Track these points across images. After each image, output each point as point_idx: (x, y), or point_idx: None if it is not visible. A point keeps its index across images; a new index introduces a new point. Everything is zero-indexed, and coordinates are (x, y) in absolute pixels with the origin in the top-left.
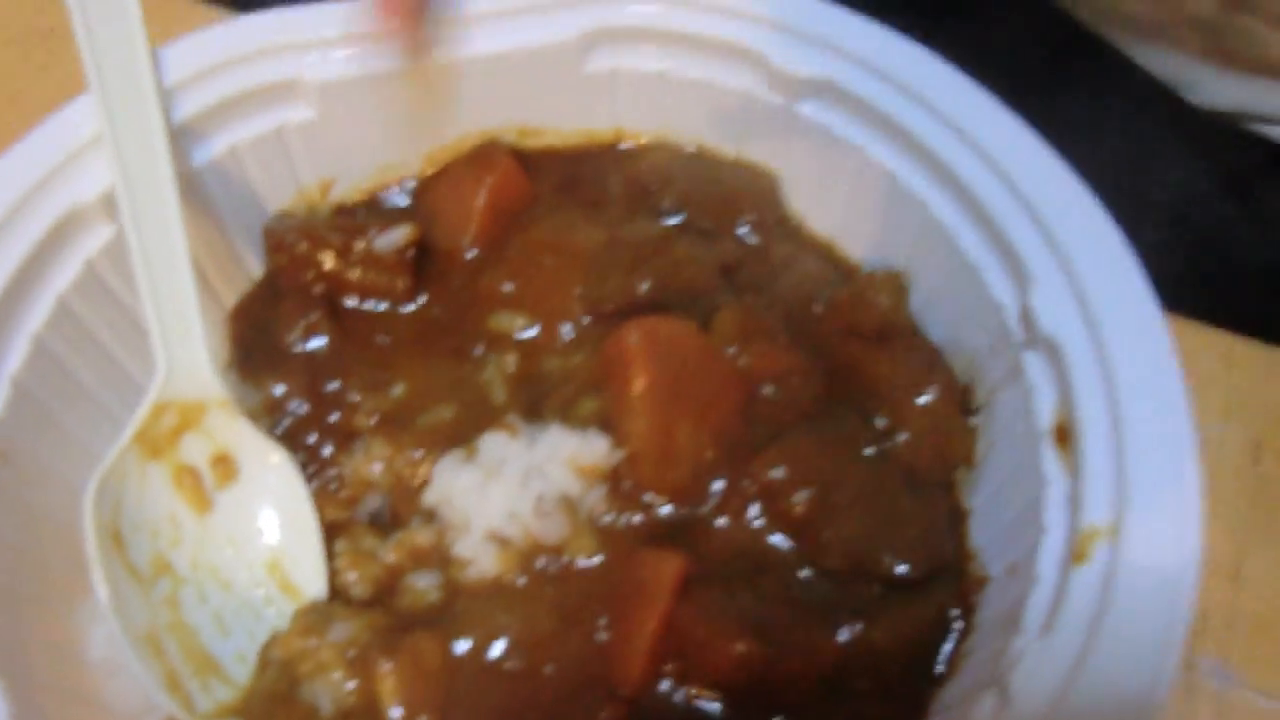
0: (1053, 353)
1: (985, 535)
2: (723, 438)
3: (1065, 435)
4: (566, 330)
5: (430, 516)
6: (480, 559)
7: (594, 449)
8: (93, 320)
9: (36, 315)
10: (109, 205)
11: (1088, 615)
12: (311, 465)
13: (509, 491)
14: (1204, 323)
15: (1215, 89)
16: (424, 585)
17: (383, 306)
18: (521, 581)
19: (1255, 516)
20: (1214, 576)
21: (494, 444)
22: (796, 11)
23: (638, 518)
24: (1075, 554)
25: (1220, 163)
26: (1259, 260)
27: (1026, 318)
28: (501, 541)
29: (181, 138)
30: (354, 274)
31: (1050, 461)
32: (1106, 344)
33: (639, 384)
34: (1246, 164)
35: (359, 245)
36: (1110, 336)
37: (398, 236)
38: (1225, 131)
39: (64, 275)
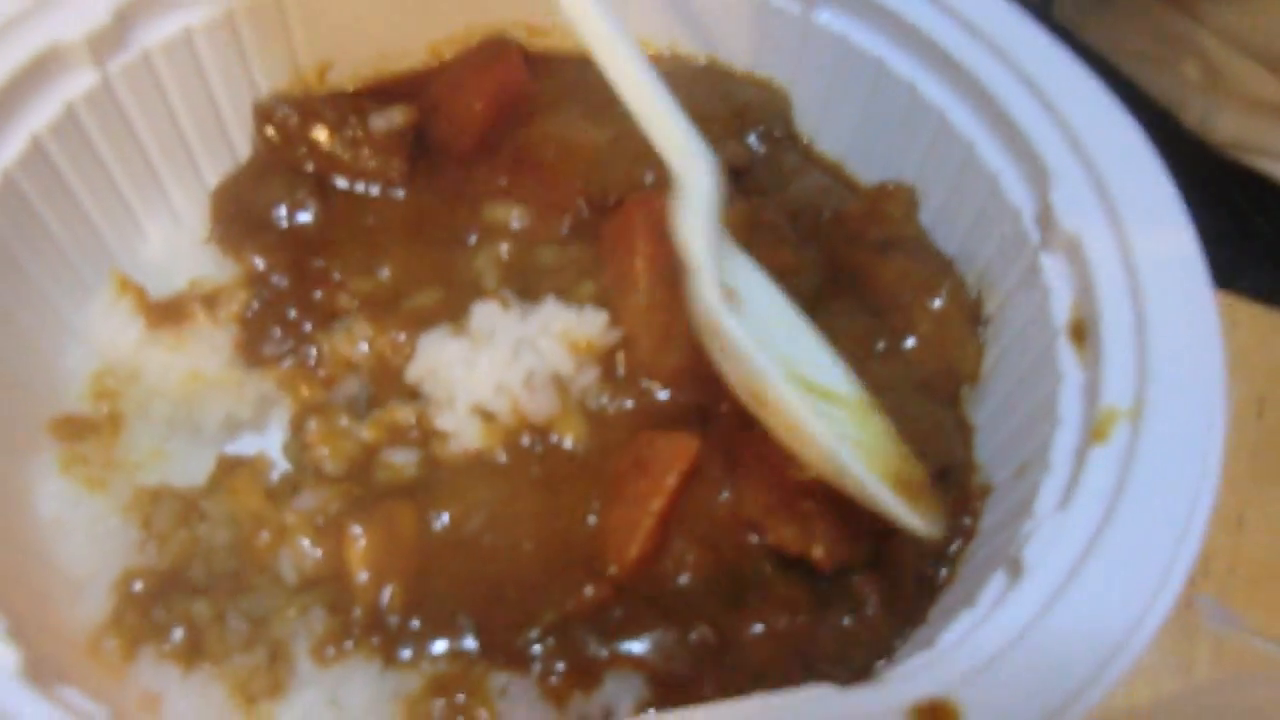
0: (1072, 250)
1: (990, 447)
2: None
3: (1082, 331)
4: (564, 224)
5: (413, 395)
6: (463, 432)
7: (590, 324)
8: (67, 167)
9: (7, 150)
10: (95, 47)
11: (1106, 491)
12: (289, 341)
13: (498, 363)
14: None
15: (1213, 120)
16: (401, 460)
17: (375, 190)
18: (504, 459)
19: (1258, 468)
20: (1216, 524)
21: (484, 314)
22: None
23: (630, 403)
24: (1094, 434)
25: (1210, 186)
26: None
27: (1046, 217)
28: (487, 415)
29: None
30: (347, 152)
31: (1067, 357)
32: (1128, 236)
33: (640, 258)
34: (1237, 189)
35: (354, 123)
36: (1132, 229)
37: (395, 117)
38: (1217, 158)
39: (41, 114)
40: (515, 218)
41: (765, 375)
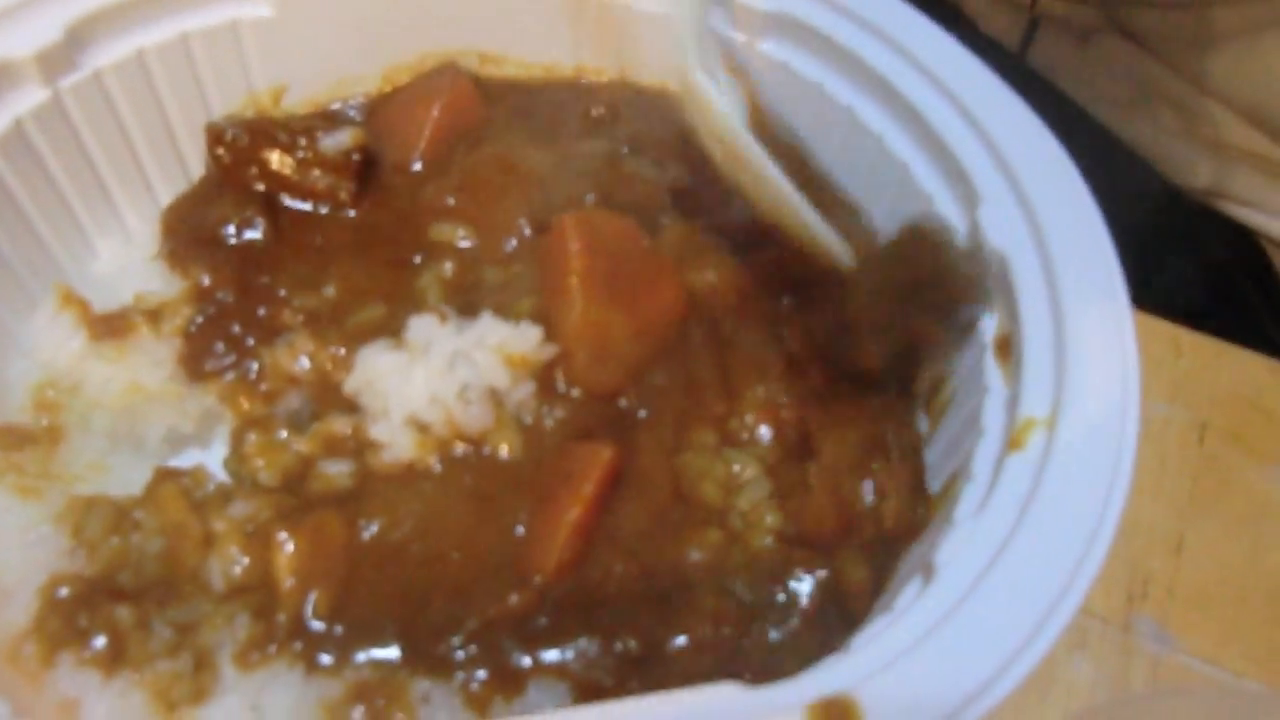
0: (999, 267)
1: (933, 454)
2: (658, 339)
3: (1007, 347)
4: (508, 243)
5: (352, 409)
6: (397, 443)
7: (525, 338)
8: (15, 183)
9: None
10: (46, 65)
11: (1020, 497)
12: (231, 355)
13: (433, 375)
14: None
15: (1189, 167)
16: (335, 471)
17: (324, 209)
18: (438, 468)
19: (1198, 492)
20: (1156, 547)
21: (421, 327)
22: None
23: (562, 413)
24: (1012, 442)
25: (1184, 232)
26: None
27: (974, 233)
28: (421, 427)
29: (129, 13)
30: (297, 173)
31: (992, 372)
32: (1051, 255)
33: (575, 275)
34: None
35: (305, 144)
36: (1055, 246)
37: (344, 138)
38: (1192, 205)
39: None
40: (461, 237)
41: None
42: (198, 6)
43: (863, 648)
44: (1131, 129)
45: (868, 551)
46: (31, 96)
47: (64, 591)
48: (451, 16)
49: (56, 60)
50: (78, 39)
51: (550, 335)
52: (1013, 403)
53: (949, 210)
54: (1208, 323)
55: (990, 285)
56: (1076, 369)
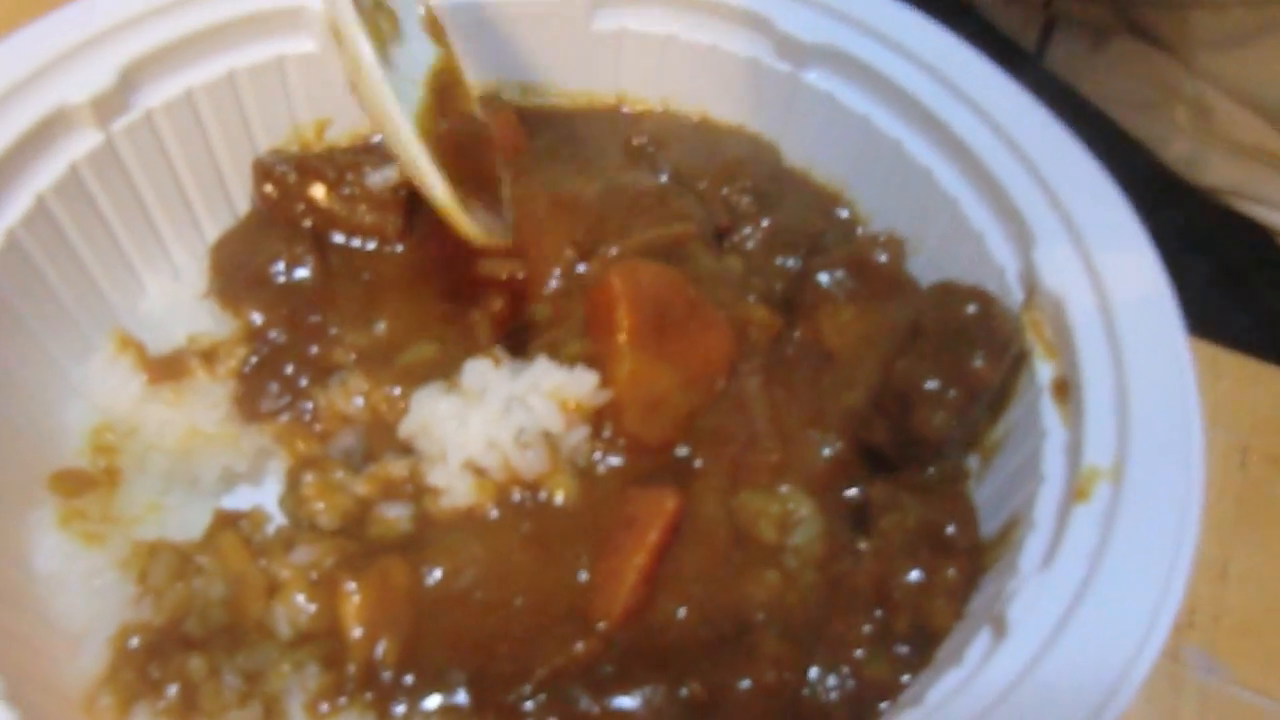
0: (1054, 308)
1: (982, 494)
2: (709, 386)
3: (1064, 389)
4: (556, 276)
5: (406, 450)
6: (455, 488)
7: (580, 384)
8: (70, 225)
9: (13, 210)
10: (100, 109)
11: (1088, 550)
12: (286, 396)
13: (489, 420)
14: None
15: (1203, 165)
16: (394, 515)
17: (371, 245)
18: (496, 514)
19: (1242, 517)
20: (1202, 574)
21: (476, 371)
22: None
23: (619, 460)
24: (1077, 493)
25: (1198, 231)
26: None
27: (1029, 277)
28: (478, 471)
29: (180, 53)
30: (345, 209)
31: (1050, 414)
32: (1109, 297)
33: (624, 332)
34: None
35: (351, 180)
36: (1112, 288)
37: (391, 173)
38: (1206, 204)
39: (45, 174)
40: (509, 270)
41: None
42: (244, 44)
43: (941, 706)
44: (1148, 129)
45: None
46: (86, 141)
47: (135, 642)
48: (493, 49)
49: (110, 103)
50: (129, 81)
51: (603, 382)
52: (1073, 448)
53: (1000, 249)
54: (1225, 329)
55: (1047, 330)
56: (1139, 416)
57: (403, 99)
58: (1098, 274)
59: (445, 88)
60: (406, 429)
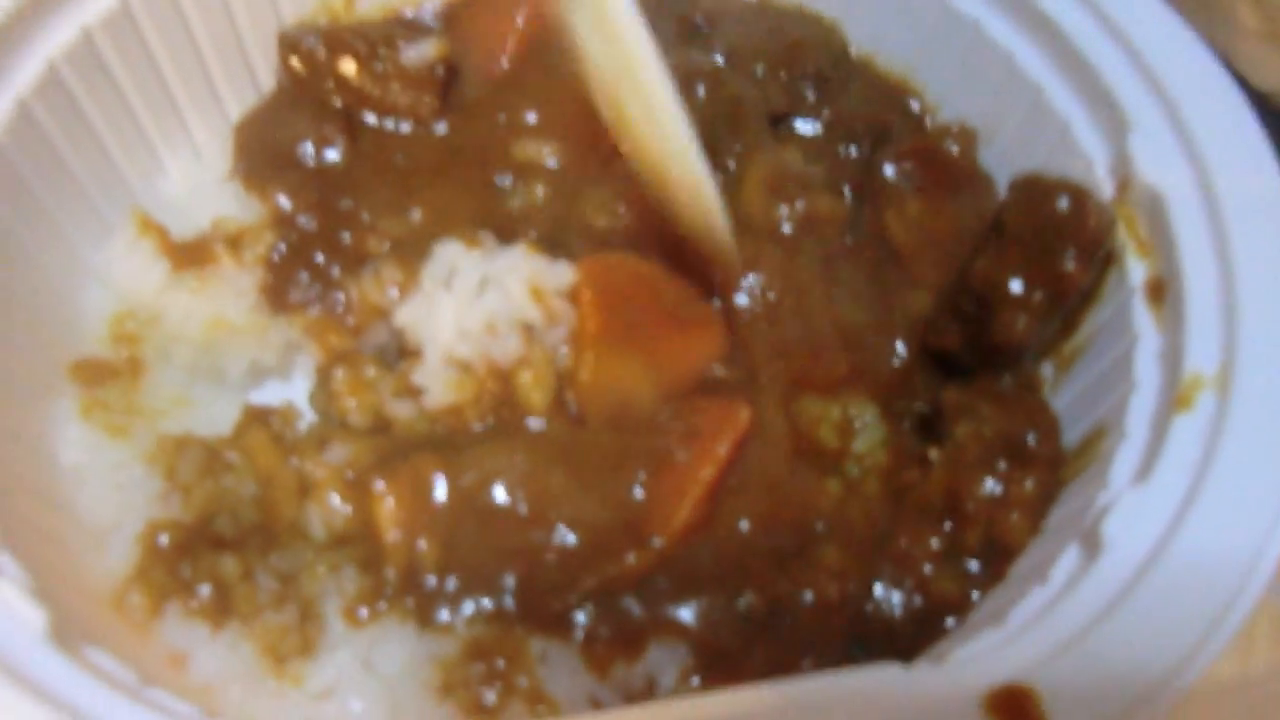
0: (1151, 203)
1: (1060, 402)
2: (681, 383)
3: (1160, 290)
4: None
5: None
6: (432, 386)
7: (557, 276)
8: (84, 95)
9: (23, 75)
10: None
11: (1191, 462)
12: (316, 286)
13: (460, 306)
14: None
15: (1267, 67)
16: (405, 413)
17: (405, 127)
18: (535, 425)
19: None
20: None
21: (445, 256)
22: None
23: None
24: (1177, 401)
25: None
26: None
27: (1122, 166)
28: (460, 366)
29: None
30: (377, 87)
31: (1142, 317)
32: (1215, 192)
33: (589, 322)
34: None
35: (384, 55)
36: (1220, 183)
37: (428, 50)
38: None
39: (57, 38)
40: (548, 155)
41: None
42: None
43: (1028, 628)
44: (1209, 31)
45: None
46: (100, 3)
47: (165, 539)
48: None
49: None
50: None
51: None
52: (1171, 354)
53: (1088, 138)
54: None
55: (1142, 227)
56: (1249, 322)
57: None
58: (1203, 166)
59: None
60: (399, 322)
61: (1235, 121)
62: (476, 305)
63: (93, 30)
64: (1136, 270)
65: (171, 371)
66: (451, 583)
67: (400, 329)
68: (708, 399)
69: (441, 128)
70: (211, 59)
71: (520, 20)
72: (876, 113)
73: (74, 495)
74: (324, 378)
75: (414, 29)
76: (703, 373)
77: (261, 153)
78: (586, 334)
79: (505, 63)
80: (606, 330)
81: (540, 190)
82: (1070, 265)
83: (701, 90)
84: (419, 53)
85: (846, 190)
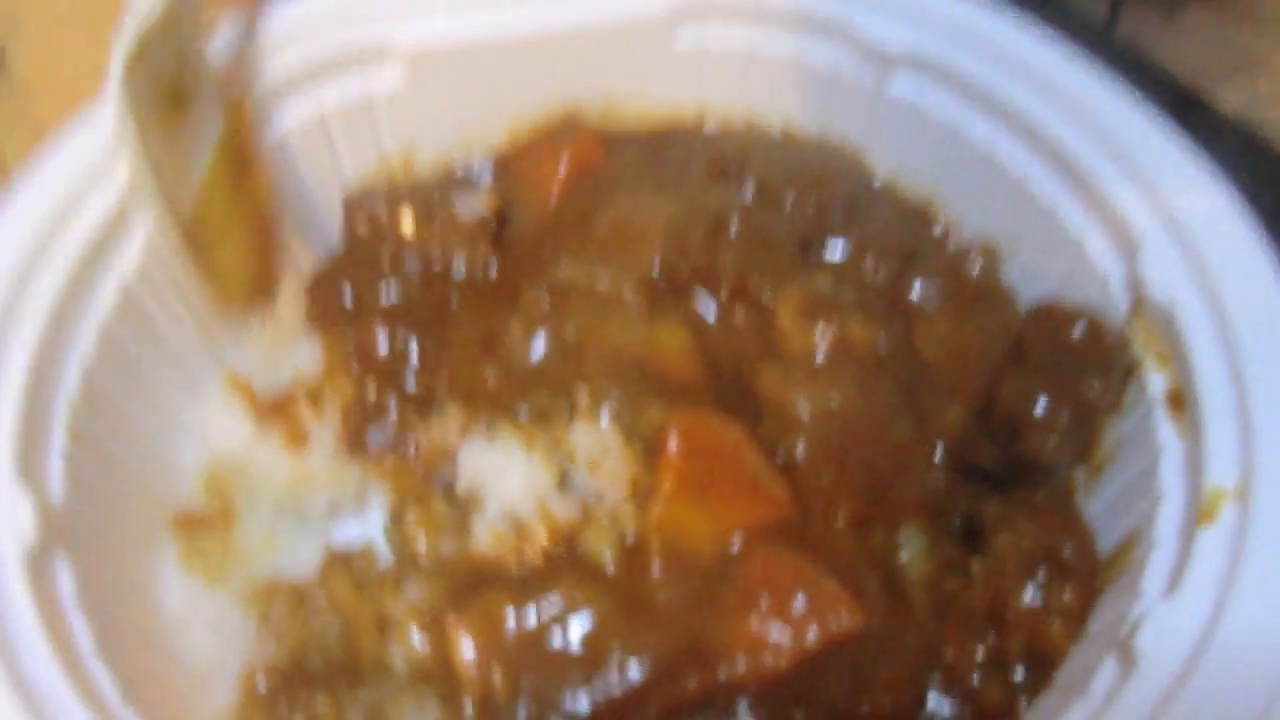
0: (1164, 318)
1: (1091, 509)
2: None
3: (1179, 400)
4: (633, 296)
5: None
6: (481, 538)
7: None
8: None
9: (125, 262)
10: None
11: (1217, 576)
12: (388, 431)
13: (531, 469)
14: None
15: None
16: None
17: (462, 271)
18: (612, 570)
19: None
20: None
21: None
22: None
23: None
24: (1201, 514)
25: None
26: None
27: (1134, 284)
28: (515, 523)
29: (271, 101)
30: (435, 242)
31: (1165, 428)
32: (1223, 304)
33: (668, 477)
34: None
35: (440, 213)
36: (1226, 297)
37: (478, 204)
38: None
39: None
40: (591, 278)
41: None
42: (334, 84)
43: None
44: (1228, 98)
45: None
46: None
47: (262, 681)
48: (573, 70)
49: None
50: None
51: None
52: (1192, 465)
53: (1102, 256)
54: None
55: (1159, 340)
56: (1265, 433)
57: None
58: (1209, 281)
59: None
60: (462, 464)
61: (1237, 236)
62: (544, 470)
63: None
64: (1156, 381)
65: (259, 515)
66: (523, 713)
67: (460, 468)
68: (816, 575)
69: (494, 270)
70: (288, 227)
71: (563, 167)
72: (902, 235)
73: (177, 642)
74: (397, 517)
75: (466, 184)
76: (767, 524)
77: (333, 308)
78: (663, 490)
79: (550, 208)
80: (683, 487)
81: (571, 327)
82: (1093, 387)
83: (735, 225)
84: (470, 208)
85: (876, 312)
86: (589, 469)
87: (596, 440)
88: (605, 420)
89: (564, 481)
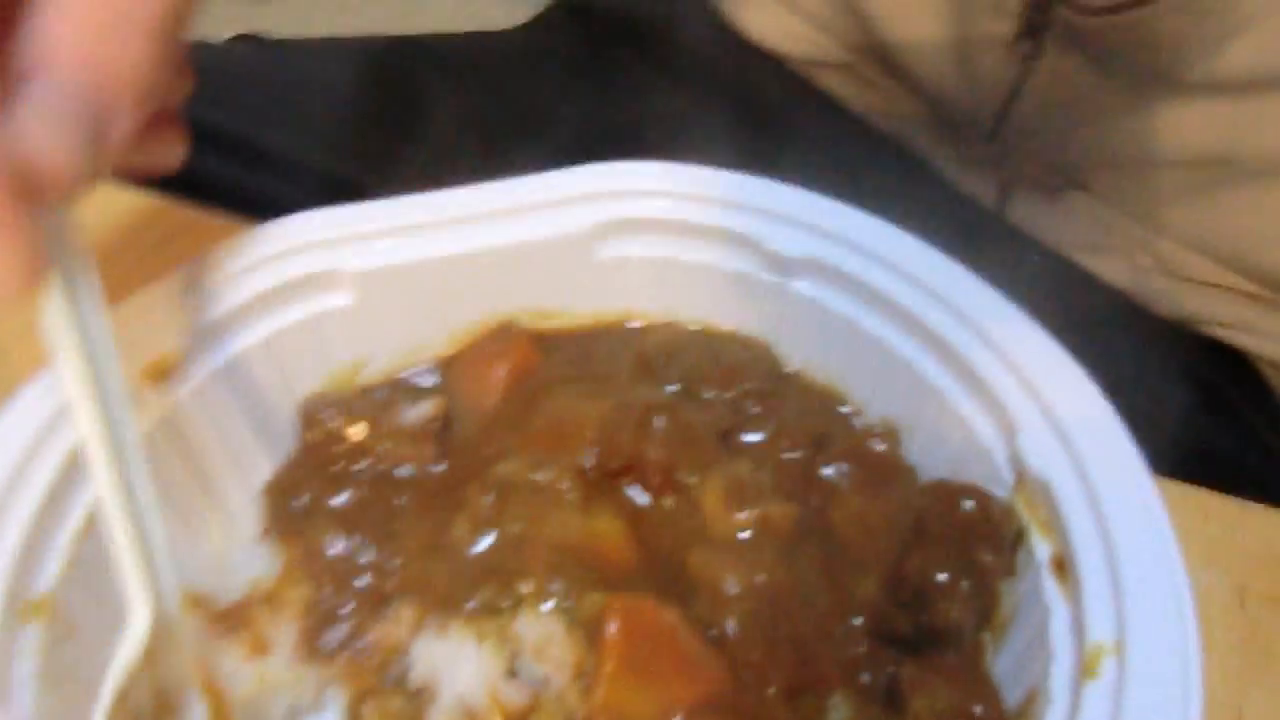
0: (1043, 490)
1: (999, 668)
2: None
3: (1062, 566)
4: (570, 488)
5: None
6: None
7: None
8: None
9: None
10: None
11: None
12: (343, 632)
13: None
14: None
15: (1172, 300)
16: None
17: (408, 472)
18: None
19: (1250, 658)
20: (1217, 718)
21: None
22: (788, 201)
23: None
24: (1085, 670)
25: (1174, 358)
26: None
27: (1016, 461)
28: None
29: (227, 325)
30: (383, 445)
31: (1051, 591)
32: (1092, 480)
33: (609, 661)
34: (1203, 360)
35: (388, 416)
36: (1094, 474)
37: (426, 408)
38: (1181, 331)
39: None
40: (529, 472)
41: None
42: (285, 308)
43: None
44: (1111, 270)
45: None
46: (152, 411)
47: None
48: (507, 282)
49: (175, 374)
50: (191, 351)
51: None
52: (1077, 625)
53: (986, 434)
54: (1216, 462)
55: (1041, 510)
56: (1133, 594)
57: None
58: (1078, 457)
59: None
60: (415, 656)
61: (1098, 415)
62: (494, 659)
63: (152, 433)
64: (1042, 548)
65: None
66: None
67: (414, 661)
68: None
69: (439, 468)
70: (243, 437)
71: (503, 372)
72: (813, 419)
73: None
74: (354, 714)
75: (412, 390)
76: (705, 699)
77: (287, 511)
78: (604, 672)
79: (491, 409)
80: (624, 669)
81: (516, 528)
82: (986, 557)
83: (659, 421)
84: (418, 412)
85: (793, 492)
86: (535, 656)
87: (542, 628)
88: (549, 608)
89: (513, 669)
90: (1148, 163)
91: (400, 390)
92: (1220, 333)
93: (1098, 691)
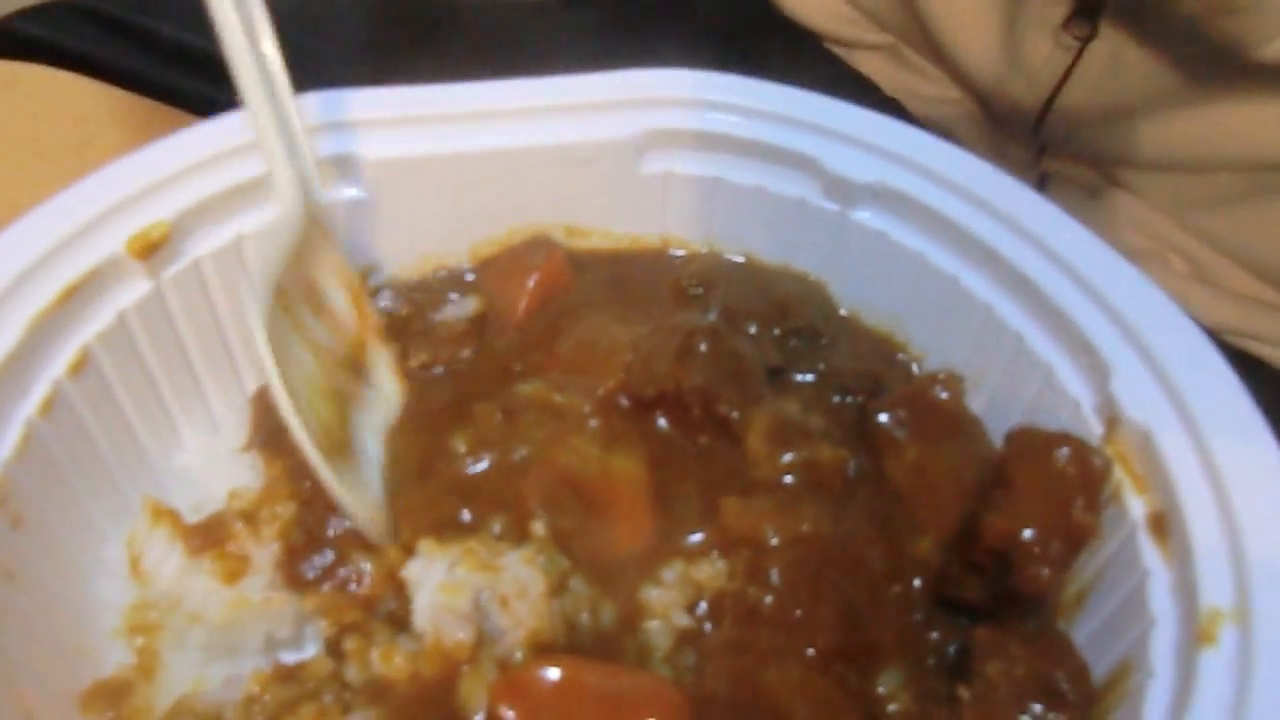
0: (1141, 441)
1: (1077, 637)
2: None
3: (1161, 524)
4: (591, 413)
5: None
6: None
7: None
8: (115, 377)
9: (59, 361)
10: (152, 261)
11: (1226, 701)
12: (330, 557)
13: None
14: None
15: (1203, 308)
16: None
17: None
18: None
19: None
20: None
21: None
22: (853, 120)
23: None
24: (1200, 636)
25: None
26: None
27: (1107, 408)
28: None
29: (232, 200)
30: (420, 343)
31: (1149, 552)
32: (1201, 431)
33: None
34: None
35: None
36: (1205, 424)
37: (468, 305)
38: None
39: (94, 324)
40: (545, 395)
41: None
42: None
43: None
44: (1147, 274)
45: None
46: (136, 289)
47: None
48: (539, 192)
49: (162, 252)
50: (182, 228)
51: None
52: (1183, 588)
53: (1072, 382)
54: None
55: (1135, 463)
56: (1256, 551)
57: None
58: (1183, 403)
59: None
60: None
61: (1204, 358)
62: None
63: (127, 314)
64: (1136, 506)
65: (186, 654)
66: None
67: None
68: None
69: (458, 381)
70: (233, 336)
71: (531, 283)
72: (867, 364)
73: None
74: (333, 649)
75: (455, 283)
76: None
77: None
78: None
79: (516, 322)
80: None
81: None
82: (1082, 514)
83: (704, 346)
84: (460, 309)
85: (844, 439)
86: (502, 605)
87: (523, 575)
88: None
89: (478, 603)
90: (1197, 163)
91: (443, 281)
92: (1252, 346)
93: (1217, 661)
